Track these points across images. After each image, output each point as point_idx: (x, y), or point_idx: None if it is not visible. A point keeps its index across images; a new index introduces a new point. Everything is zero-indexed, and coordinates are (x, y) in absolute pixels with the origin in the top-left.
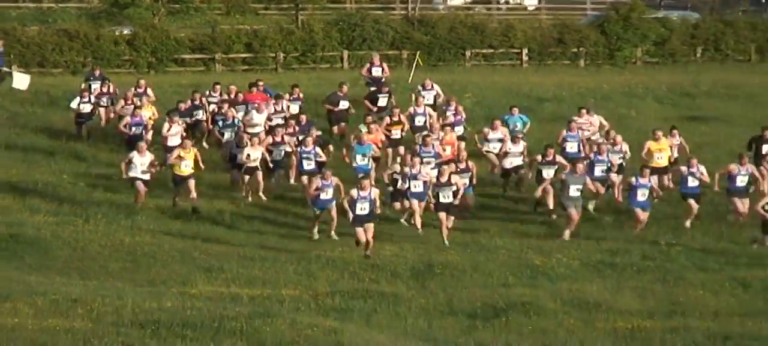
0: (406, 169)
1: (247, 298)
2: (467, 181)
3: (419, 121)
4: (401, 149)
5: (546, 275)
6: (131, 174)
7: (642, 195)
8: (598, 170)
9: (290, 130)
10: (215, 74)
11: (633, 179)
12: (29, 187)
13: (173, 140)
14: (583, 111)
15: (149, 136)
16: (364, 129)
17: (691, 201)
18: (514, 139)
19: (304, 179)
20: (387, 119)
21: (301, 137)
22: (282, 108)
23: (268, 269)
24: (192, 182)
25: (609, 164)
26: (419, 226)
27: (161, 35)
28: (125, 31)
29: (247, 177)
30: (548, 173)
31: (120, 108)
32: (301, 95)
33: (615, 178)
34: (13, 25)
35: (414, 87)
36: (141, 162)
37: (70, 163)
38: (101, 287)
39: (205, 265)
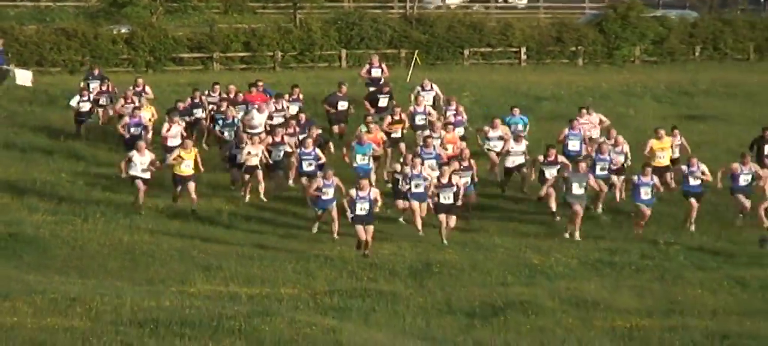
0: (407, 170)
1: (245, 297)
2: (469, 179)
3: (419, 120)
4: (402, 147)
5: (544, 273)
6: (131, 173)
7: (645, 193)
8: (600, 169)
9: (290, 130)
10: (213, 73)
11: (635, 178)
12: (28, 186)
13: (173, 140)
14: (584, 111)
15: (149, 136)
16: (364, 129)
17: (692, 200)
18: (516, 138)
19: (304, 180)
20: (388, 118)
21: (301, 138)
22: (282, 107)
23: (267, 268)
24: (192, 185)
25: (611, 163)
26: (420, 227)
27: (159, 34)
28: (123, 30)
29: (247, 176)
30: (551, 172)
31: (120, 106)
32: (301, 96)
33: (615, 179)
34: (11, 23)
35: (412, 86)
36: (141, 161)
37: (68, 162)
38: (100, 285)
39: (203, 264)
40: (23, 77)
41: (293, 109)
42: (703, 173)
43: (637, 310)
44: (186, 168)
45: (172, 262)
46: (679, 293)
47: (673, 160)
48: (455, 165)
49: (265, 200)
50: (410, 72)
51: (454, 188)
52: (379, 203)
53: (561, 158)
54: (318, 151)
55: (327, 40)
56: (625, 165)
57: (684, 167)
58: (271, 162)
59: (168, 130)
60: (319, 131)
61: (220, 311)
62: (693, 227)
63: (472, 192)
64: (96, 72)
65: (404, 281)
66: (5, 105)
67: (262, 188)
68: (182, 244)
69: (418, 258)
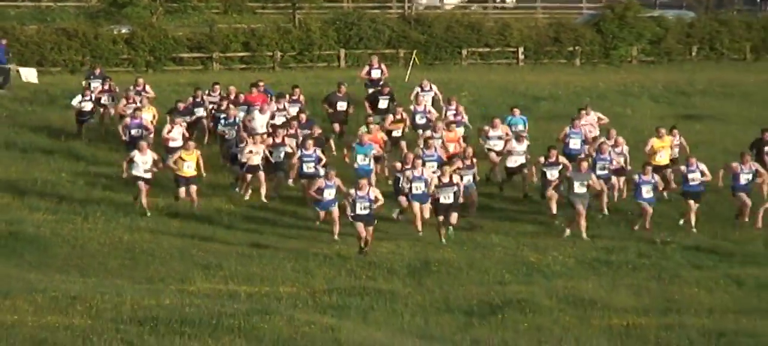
0: (409, 173)
1: (245, 295)
2: (471, 177)
3: (420, 119)
4: (403, 146)
5: (542, 272)
6: (133, 173)
7: (647, 192)
8: (600, 169)
9: (291, 131)
10: (213, 73)
11: (636, 177)
12: (28, 185)
13: (175, 142)
14: (583, 112)
15: (151, 136)
16: (364, 129)
17: (691, 202)
18: (518, 138)
19: (305, 181)
20: (390, 117)
21: (302, 138)
22: (284, 107)
23: (266, 267)
24: (194, 188)
25: (611, 163)
26: (420, 228)
27: (159, 34)
28: (123, 30)
29: (249, 176)
30: (552, 173)
31: (122, 107)
32: (302, 97)
33: (614, 179)
34: (12, 23)
35: (411, 86)
36: (142, 160)
37: (69, 161)
38: (100, 284)
39: (203, 262)
40: (29, 75)
41: (293, 110)
42: (703, 173)
43: (634, 308)
44: (188, 169)
45: (172, 260)
46: (676, 292)
47: (672, 160)
48: (459, 163)
49: (265, 201)
50: (408, 72)
51: (455, 188)
52: (380, 202)
53: (562, 159)
54: (319, 152)
55: (326, 40)
56: (625, 166)
57: (683, 168)
58: (272, 161)
59: (169, 131)
60: (320, 131)
61: (219, 310)
62: (694, 230)
63: (473, 190)
64: (97, 71)
65: (403, 279)
66: (6, 105)
67: (263, 190)
68: (182, 243)
69: (417, 257)
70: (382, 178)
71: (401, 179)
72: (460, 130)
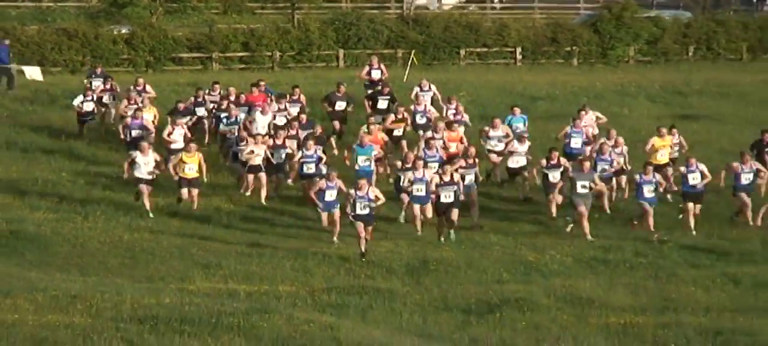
0: (410, 175)
1: (244, 294)
2: (473, 176)
3: (420, 119)
4: (404, 145)
5: (539, 271)
6: (136, 174)
7: (648, 191)
8: (600, 170)
9: (292, 131)
10: (212, 73)
11: (637, 177)
12: (29, 184)
13: (176, 144)
14: (583, 113)
15: (152, 137)
16: (365, 129)
17: (690, 204)
18: (520, 139)
19: (305, 181)
20: (391, 116)
21: (303, 138)
22: (284, 107)
23: (265, 266)
24: (196, 190)
25: (612, 164)
26: (419, 228)
27: (159, 34)
28: (123, 30)
29: (250, 177)
30: (554, 176)
31: (123, 108)
32: (303, 97)
33: (615, 180)
34: (13, 24)
35: (410, 86)
36: (144, 161)
37: (69, 161)
38: (100, 283)
39: (203, 261)
40: (33, 73)
41: (294, 110)
42: (703, 174)
43: (632, 307)
44: (190, 171)
45: (171, 259)
46: (673, 291)
47: (672, 159)
48: (461, 162)
49: (264, 203)
50: (407, 72)
51: (455, 186)
52: (381, 202)
53: (563, 161)
54: (320, 151)
55: (325, 41)
56: (625, 167)
57: (683, 168)
58: (273, 162)
59: (170, 133)
60: (321, 129)
61: (219, 308)
62: (693, 232)
63: (474, 190)
64: (98, 70)
65: (401, 278)
66: (7, 105)
67: (263, 192)
68: (182, 242)
69: (415, 256)
70: (383, 178)
71: (402, 178)
72: (461, 129)
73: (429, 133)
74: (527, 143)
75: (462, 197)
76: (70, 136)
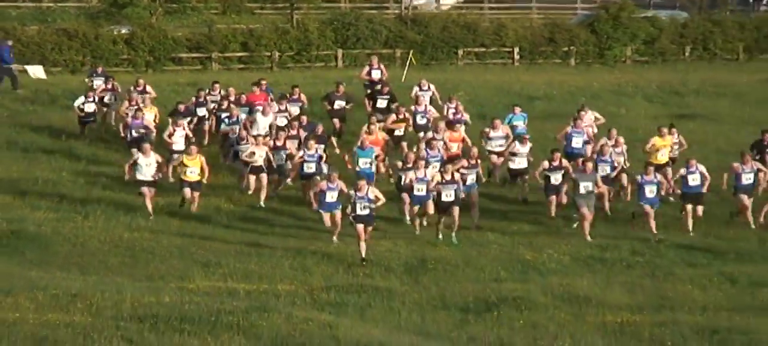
0: (411, 175)
1: (243, 293)
2: (474, 176)
3: (420, 119)
4: (404, 145)
5: (537, 270)
6: (137, 176)
7: (650, 192)
8: (602, 171)
9: (293, 132)
10: (212, 73)
11: (638, 177)
12: (30, 184)
13: (177, 145)
14: (582, 113)
15: (153, 137)
16: (365, 130)
17: (689, 206)
18: (521, 140)
19: (304, 181)
20: (392, 116)
21: (303, 138)
22: (285, 107)
23: (265, 264)
24: (197, 193)
25: (613, 164)
26: (418, 228)
27: (159, 34)
28: (123, 31)
29: (252, 177)
30: (556, 177)
31: (124, 109)
32: (303, 97)
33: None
34: (13, 24)
35: (409, 86)
36: (146, 163)
37: (69, 161)
38: (101, 282)
39: (202, 260)
40: (37, 71)
41: (294, 110)
42: (703, 175)
43: (628, 306)
44: (191, 175)
45: (171, 259)
46: (670, 289)
47: (672, 159)
48: (464, 162)
49: (262, 205)
50: (405, 72)
51: (456, 185)
52: (381, 202)
53: (565, 163)
54: (321, 150)
55: (323, 41)
56: (624, 166)
57: (682, 170)
58: (274, 165)
59: (171, 134)
60: (322, 128)
61: (218, 307)
62: (691, 233)
63: (474, 191)
64: (99, 70)
65: (399, 277)
66: (8, 105)
67: (263, 193)
68: (182, 241)
69: (413, 255)
70: (384, 178)
71: (403, 177)
72: (462, 129)
73: (430, 134)
74: (529, 144)
75: (462, 196)
76: (70, 136)
